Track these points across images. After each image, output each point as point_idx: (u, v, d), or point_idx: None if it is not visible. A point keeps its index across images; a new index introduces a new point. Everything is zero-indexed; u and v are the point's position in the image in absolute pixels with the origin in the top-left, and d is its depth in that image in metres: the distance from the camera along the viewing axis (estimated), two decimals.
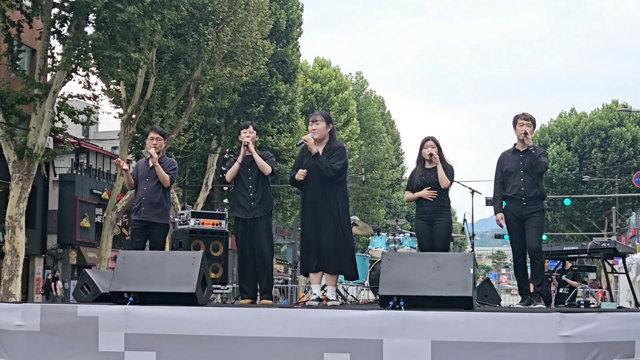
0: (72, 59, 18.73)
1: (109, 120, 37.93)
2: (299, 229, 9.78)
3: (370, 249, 12.01)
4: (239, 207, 8.02)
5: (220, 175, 31.64)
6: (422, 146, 8.32)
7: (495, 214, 8.19)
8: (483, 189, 19.45)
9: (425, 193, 8.20)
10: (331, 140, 7.51)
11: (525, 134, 7.96)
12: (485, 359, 5.46)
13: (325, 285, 7.71)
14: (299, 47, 33.62)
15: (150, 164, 8.42)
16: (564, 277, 14.15)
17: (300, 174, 7.43)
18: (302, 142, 7.45)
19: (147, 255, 6.83)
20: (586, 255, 10.02)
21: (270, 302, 7.92)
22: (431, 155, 8.18)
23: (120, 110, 24.40)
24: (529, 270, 8.26)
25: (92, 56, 19.38)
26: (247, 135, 8.01)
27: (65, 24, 19.22)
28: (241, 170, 8.02)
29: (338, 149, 7.44)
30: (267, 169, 7.95)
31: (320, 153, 7.39)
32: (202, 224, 11.21)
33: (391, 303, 5.85)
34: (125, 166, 8.48)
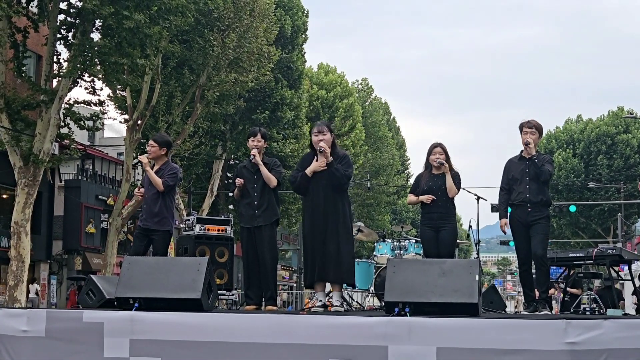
0: (78, 65, 18.77)
1: (115, 126, 38.14)
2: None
3: (375, 255, 12.00)
4: (243, 215, 8.03)
5: (226, 182, 31.66)
6: (430, 152, 8.31)
7: (500, 220, 8.19)
8: (488, 196, 19.42)
9: (426, 198, 8.20)
10: (334, 149, 7.52)
11: (527, 144, 7.92)
12: None
13: (330, 292, 7.71)
14: (304, 53, 33.68)
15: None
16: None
17: (319, 162, 7.29)
18: (322, 149, 7.29)
19: (152, 261, 6.83)
20: (592, 262, 9.97)
21: (275, 308, 7.94)
22: (442, 164, 8.17)
23: (126, 116, 24.43)
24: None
25: (98, 62, 19.42)
26: (255, 145, 7.97)
27: (72, 31, 19.27)
28: (247, 178, 8.01)
29: (344, 158, 7.48)
30: (272, 181, 7.90)
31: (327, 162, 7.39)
32: (208, 230, 11.23)
33: (397, 309, 5.84)
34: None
